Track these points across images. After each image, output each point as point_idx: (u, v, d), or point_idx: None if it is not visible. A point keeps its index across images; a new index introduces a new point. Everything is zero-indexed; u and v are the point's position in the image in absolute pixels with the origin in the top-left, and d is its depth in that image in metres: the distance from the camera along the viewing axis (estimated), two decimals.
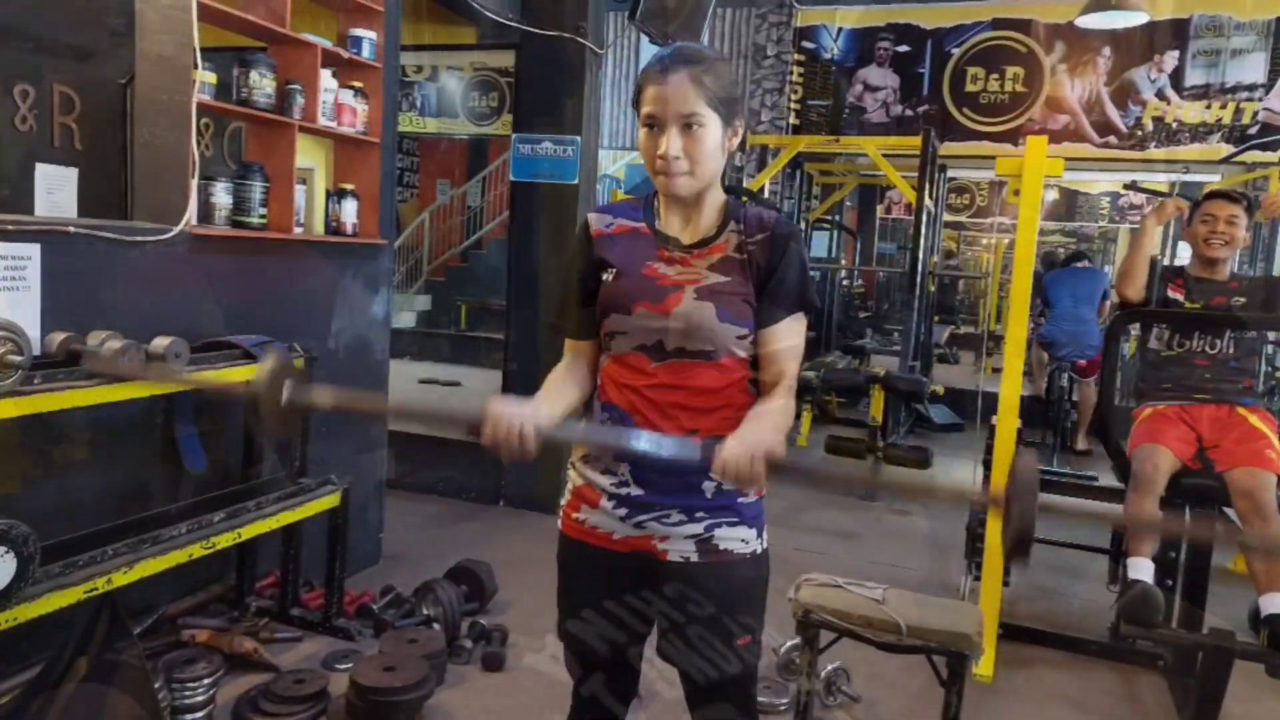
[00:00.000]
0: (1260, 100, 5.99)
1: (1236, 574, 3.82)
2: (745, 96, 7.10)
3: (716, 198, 1.40)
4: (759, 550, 1.40)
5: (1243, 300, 2.82)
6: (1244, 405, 2.74)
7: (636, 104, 1.35)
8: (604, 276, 1.38)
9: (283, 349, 2.65)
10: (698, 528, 1.35)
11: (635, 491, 1.35)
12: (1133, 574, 2.56)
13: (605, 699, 1.52)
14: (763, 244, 1.35)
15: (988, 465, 2.93)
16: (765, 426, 1.26)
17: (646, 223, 1.41)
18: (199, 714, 2.17)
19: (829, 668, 2.51)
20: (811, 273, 1.40)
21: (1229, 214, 2.79)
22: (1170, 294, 2.90)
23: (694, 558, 1.35)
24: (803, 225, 7.40)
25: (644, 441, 1.29)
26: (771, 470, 1.17)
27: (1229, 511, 2.75)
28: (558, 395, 1.40)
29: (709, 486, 1.35)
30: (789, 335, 1.37)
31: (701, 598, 1.36)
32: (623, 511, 1.37)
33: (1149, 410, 2.85)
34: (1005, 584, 2.90)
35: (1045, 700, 2.65)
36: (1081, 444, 6.13)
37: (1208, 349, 2.81)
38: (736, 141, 1.38)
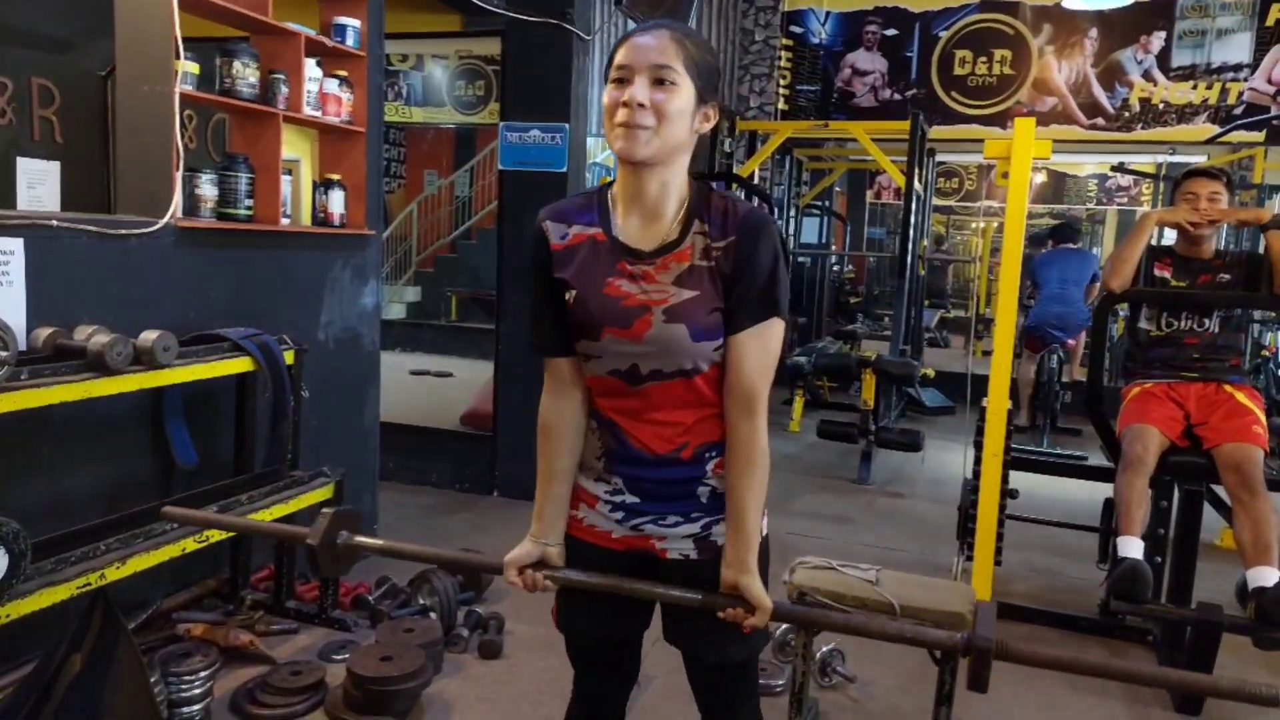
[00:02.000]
0: (1246, 80, 6.01)
1: (1223, 549, 3.86)
2: (733, 83, 7.08)
3: (679, 185, 1.28)
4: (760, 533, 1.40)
5: (1228, 277, 2.84)
6: (1230, 383, 2.77)
7: (608, 73, 1.25)
8: (566, 296, 1.29)
9: (273, 343, 2.63)
10: (695, 527, 1.34)
11: (631, 499, 1.34)
12: (1123, 552, 2.58)
13: (605, 685, 1.52)
14: (728, 249, 1.24)
15: (979, 447, 2.95)
16: (750, 534, 1.28)
17: (602, 228, 1.30)
18: (196, 707, 2.17)
19: (824, 649, 2.53)
20: (786, 271, 1.29)
21: (1210, 191, 2.81)
22: (1157, 273, 2.92)
23: (693, 555, 1.34)
24: (793, 211, 7.41)
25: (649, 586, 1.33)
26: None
27: (1217, 489, 2.78)
28: (558, 468, 1.37)
29: (703, 492, 1.33)
30: (755, 345, 1.25)
31: (704, 590, 1.36)
32: (619, 515, 1.35)
33: (1137, 389, 2.88)
34: (997, 563, 2.92)
35: (1037, 677, 2.67)
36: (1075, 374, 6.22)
37: (1196, 327, 2.84)
38: (708, 126, 1.28)
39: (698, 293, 1.24)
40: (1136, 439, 2.69)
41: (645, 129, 1.20)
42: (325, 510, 1.53)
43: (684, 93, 1.22)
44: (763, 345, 1.26)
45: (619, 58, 1.23)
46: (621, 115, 1.20)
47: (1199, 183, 2.84)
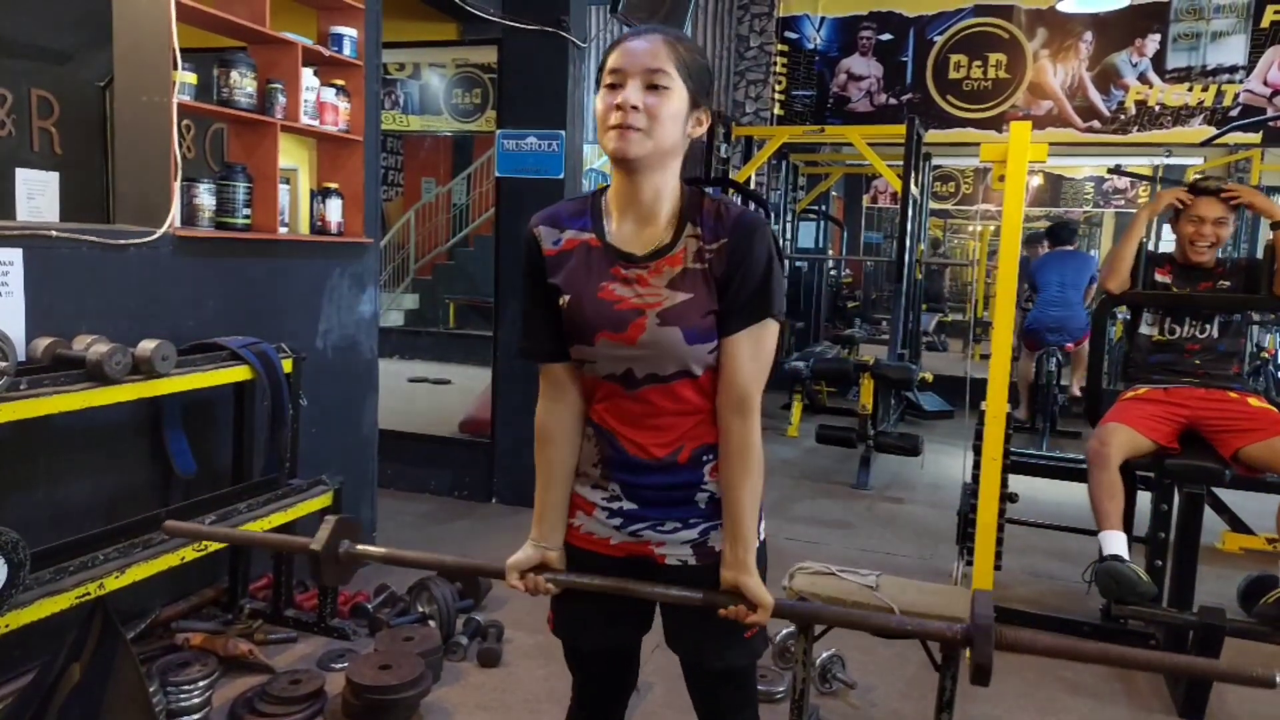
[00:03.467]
0: (1241, 82, 6.03)
1: (1225, 552, 3.86)
2: (729, 88, 7.09)
3: (672, 189, 1.28)
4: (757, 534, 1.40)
5: (1229, 285, 2.84)
6: (1234, 389, 2.77)
7: (600, 77, 1.25)
8: (560, 301, 1.29)
9: (271, 352, 2.63)
10: (693, 533, 1.34)
11: (628, 506, 1.34)
12: (1106, 549, 2.60)
13: (604, 692, 1.52)
14: (721, 251, 1.24)
15: (978, 450, 2.95)
16: (748, 534, 1.28)
17: (595, 233, 1.29)
18: (195, 717, 2.17)
19: (824, 655, 2.52)
20: (783, 273, 1.30)
21: (1217, 216, 2.79)
22: (1158, 278, 2.92)
23: (691, 561, 1.34)
24: (789, 216, 7.42)
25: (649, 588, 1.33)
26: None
27: (1217, 492, 2.78)
28: (556, 473, 1.36)
29: (702, 497, 1.33)
30: (748, 347, 1.25)
31: (705, 590, 1.36)
32: (617, 521, 1.35)
33: (1130, 393, 2.88)
34: (997, 568, 2.92)
35: (1039, 682, 2.67)
36: (1076, 390, 6.20)
37: (1197, 334, 2.84)
38: (700, 131, 1.28)
39: (691, 296, 1.24)
40: (1096, 437, 2.75)
41: (638, 130, 1.20)
42: (328, 518, 1.53)
43: (677, 96, 1.22)
44: (756, 347, 1.26)
45: (611, 62, 1.23)
46: (614, 118, 1.20)
47: (1207, 205, 2.79)
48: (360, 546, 1.53)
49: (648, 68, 1.20)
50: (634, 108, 1.19)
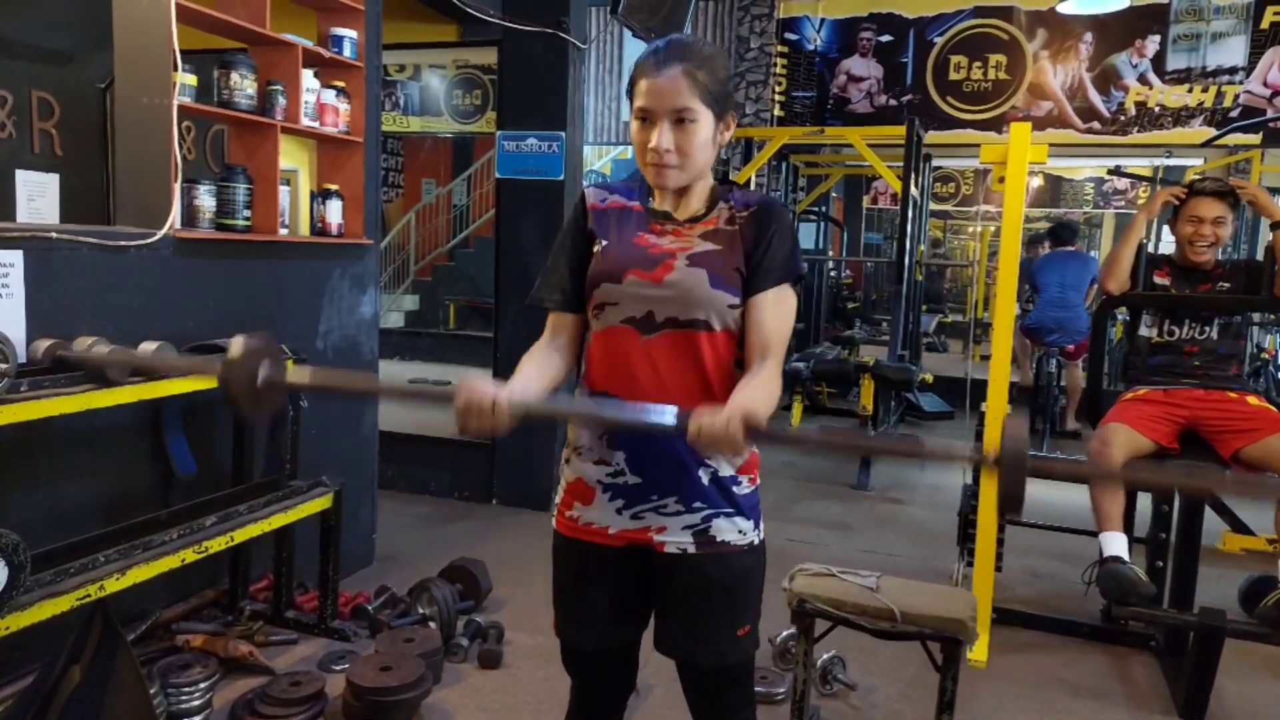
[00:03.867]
0: (1241, 83, 6.03)
1: (1225, 553, 3.86)
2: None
3: (706, 185, 1.41)
4: (755, 541, 1.40)
5: (1228, 286, 2.83)
6: (1234, 390, 2.77)
7: (630, 95, 1.35)
8: (594, 249, 1.39)
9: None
10: (695, 518, 1.34)
11: (632, 479, 1.34)
12: (1107, 550, 2.60)
13: (603, 694, 1.52)
14: (750, 217, 1.36)
15: None
16: (746, 395, 1.22)
17: (640, 201, 1.43)
18: (196, 718, 2.17)
19: (824, 656, 2.52)
20: (799, 250, 1.42)
21: (1216, 215, 2.77)
22: (1157, 280, 2.91)
23: (691, 549, 1.35)
24: (789, 217, 7.41)
25: (616, 409, 1.28)
26: (751, 435, 1.12)
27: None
28: (536, 369, 1.37)
29: (705, 475, 1.34)
30: (776, 305, 1.34)
31: (700, 589, 1.36)
32: (619, 503, 1.35)
33: (1130, 394, 2.88)
34: (998, 569, 2.92)
35: (1039, 684, 2.67)
36: (1071, 424, 6.17)
37: (1197, 335, 2.83)
38: (729, 135, 1.39)
39: (721, 247, 1.35)
40: (1098, 437, 2.74)
41: (673, 168, 1.33)
42: (238, 337, 1.27)
43: (703, 126, 1.32)
44: (781, 307, 1.35)
45: (639, 99, 1.33)
46: (651, 158, 1.32)
47: (1206, 205, 2.77)
48: (284, 377, 1.29)
49: (673, 107, 1.30)
50: (667, 150, 1.31)
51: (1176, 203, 2.84)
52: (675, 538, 1.35)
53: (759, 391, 1.25)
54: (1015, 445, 1.08)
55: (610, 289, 1.34)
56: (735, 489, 1.38)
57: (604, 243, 1.38)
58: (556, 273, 1.42)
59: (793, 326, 1.39)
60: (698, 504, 1.34)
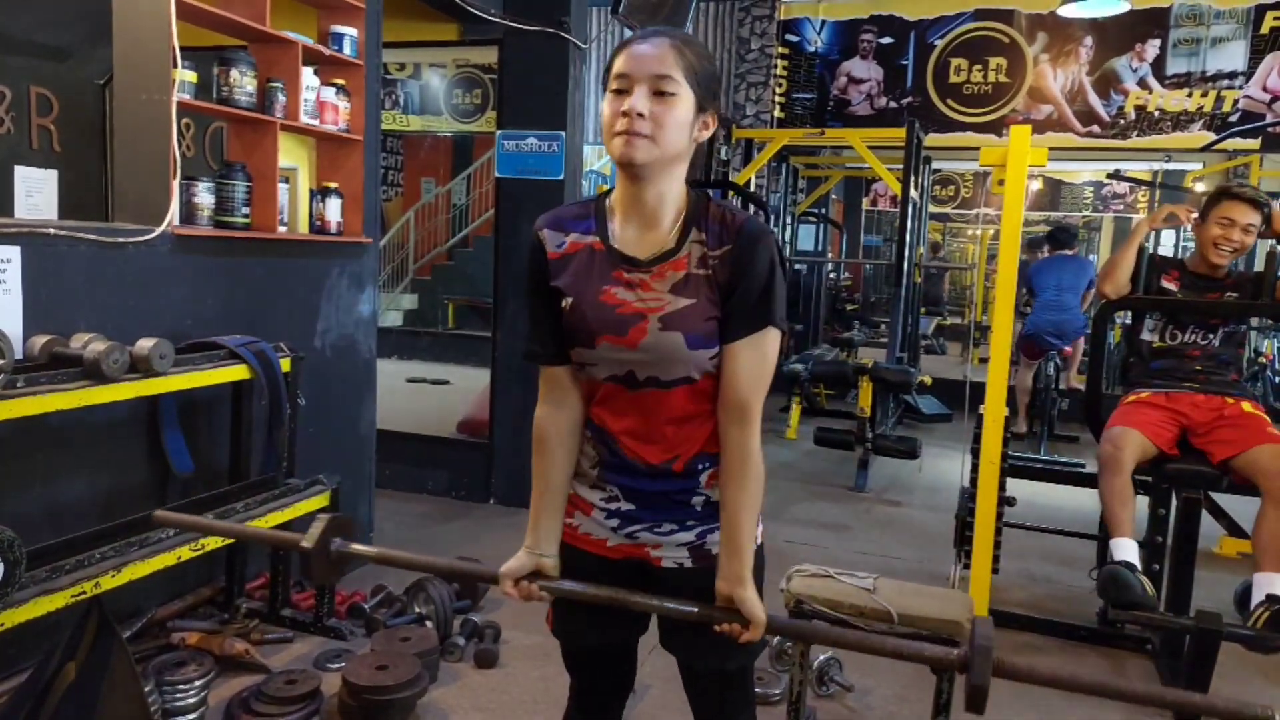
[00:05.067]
0: (1241, 88, 6.04)
1: (1222, 557, 3.86)
2: (729, 91, 7.10)
3: (677, 194, 1.27)
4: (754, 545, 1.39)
5: (1236, 296, 2.82)
6: (1233, 396, 2.77)
7: (606, 80, 1.24)
8: (562, 303, 1.28)
9: (270, 351, 2.63)
10: (690, 535, 1.34)
11: (626, 507, 1.34)
12: (1116, 555, 2.59)
13: (602, 694, 1.51)
14: (725, 258, 1.23)
15: (976, 454, 2.95)
16: (744, 546, 1.26)
17: (599, 236, 1.29)
18: (191, 716, 2.16)
19: (821, 658, 2.52)
20: (783, 281, 1.28)
21: (1248, 222, 2.71)
22: (1164, 284, 2.88)
23: (688, 563, 1.34)
24: (789, 219, 7.42)
25: (643, 598, 1.31)
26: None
27: (1215, 496, 2.77)
28: (552, 479, 1.36)
29: (698, 501, 1.33)
30: (750, 355, 1.24)
31: (699, 598, 1.35)
32: (614, 523, 1.35)
33: (1133, 396, 2.88)
34: (994, 571, 2.92)
35: (1036, 687, 2.67)
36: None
37: (1199, 340, 2.83)
38: (707, 134, 1.27)
39: (693, 301, 1.24)
40: (1109, 440, 2.71)
41: (644, 137, 1.19)
42: (320, 516, 1.52)
43: (684, 103, 1.21)
44: (757, 355, 1.25)
45: (618, 66, 1.22)
46: (621, 124, 1.20)
47: (1240, 209, 2.71)
48: (353, 545, 1.52)
49: (654, 74, 1.19)
50: (640, 115, 1.18)
51: (1188, 224, 2.82)
52: (671, 553, 1.34)
53: (751, 513, 1.27)
54: (985, 644, 1.14)
55: (585, 353, 1.28)
56: None
57: (569, 299, 1.27)
58: (541, 325, 1.32)
59: (774, 367, 1.28)
60: (692, 522, 1.34)
